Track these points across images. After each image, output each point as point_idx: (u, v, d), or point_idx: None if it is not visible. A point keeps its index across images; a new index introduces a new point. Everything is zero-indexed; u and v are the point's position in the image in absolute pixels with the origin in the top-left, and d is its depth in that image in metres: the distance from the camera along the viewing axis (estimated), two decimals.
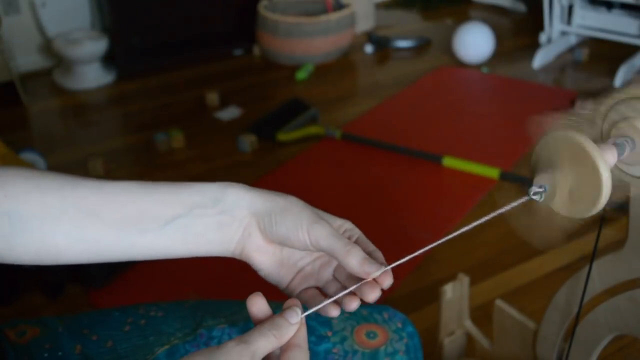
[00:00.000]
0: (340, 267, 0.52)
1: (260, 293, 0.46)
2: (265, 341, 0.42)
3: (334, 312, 0.49)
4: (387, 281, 0.48)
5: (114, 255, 0.50)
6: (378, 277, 0.48)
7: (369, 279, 0.47)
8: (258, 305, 0.46)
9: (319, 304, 0.49)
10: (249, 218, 0.51)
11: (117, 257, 0.51)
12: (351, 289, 0.48)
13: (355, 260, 0.47)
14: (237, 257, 0.52)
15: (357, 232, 0.52)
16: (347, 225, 0.52)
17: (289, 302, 0.46)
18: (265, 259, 0.52)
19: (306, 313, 0.46)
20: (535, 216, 0.53)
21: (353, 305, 0.49)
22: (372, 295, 0.48)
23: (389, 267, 0.48)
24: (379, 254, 0.50)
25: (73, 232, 0.48)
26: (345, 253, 0.47)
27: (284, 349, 0.44)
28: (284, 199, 0.51)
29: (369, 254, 0.49)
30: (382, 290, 0.48)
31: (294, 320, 0.44)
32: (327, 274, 0.53)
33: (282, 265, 0.53)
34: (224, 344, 0.41)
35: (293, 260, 0.53)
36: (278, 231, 0.50)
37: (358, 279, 0.49)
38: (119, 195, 0.49)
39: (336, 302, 0.50)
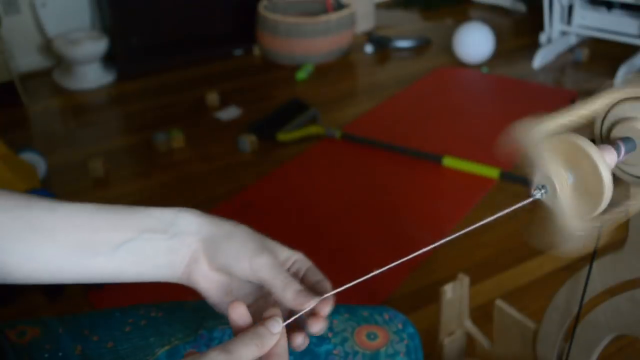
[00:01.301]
0: None
1: (240, 301, 0.46)
2: (247, 350, 0.42)
3: (299, 340, 0.49)
4: (325, 309, 0.48)
5: (66, 277, 0.51)
6: (318, 306, 0.48)
7: (303, 311, 0.47)
8: (239, 311, 0.46)
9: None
10: (197, 243, 0.51)
11: (69, 278, 0.51)
12: (292, 319, 0.48)
13: (290, 293, 0.47)
14: (184, 283, 0.52)
15: (306, 264, 0.52)
16: (296, 256, 0.52)
17: (270, 311, 0.46)
18: (210, 286, 0.52)
19: (287, 322, 0.46)
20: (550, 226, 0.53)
21: (298, 340, 0.49)
22: (316, 328, 0.48)
23: (324, 297, 0.48)
24: (326, 284, 0.50)
25: (25, 252, 0.48)
26: (282, 286, 0.47)
27: (265, 358, 0.44)
28: (232, 226, 0.51)
29: (314, 285, 0.49)
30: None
31: (276, 330, 0.44)
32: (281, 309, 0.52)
33: (230, 294, 0.52)
34: (206, 353, 0.41)
35: (243, 292, 0.53)
36: (221, 258, 0.50)
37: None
38: (73, 218, 0.50)
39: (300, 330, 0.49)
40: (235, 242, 0.50)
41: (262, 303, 0.53)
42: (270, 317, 0.45)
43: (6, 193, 0.50)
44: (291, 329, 0.49)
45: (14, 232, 0.48)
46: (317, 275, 0.51)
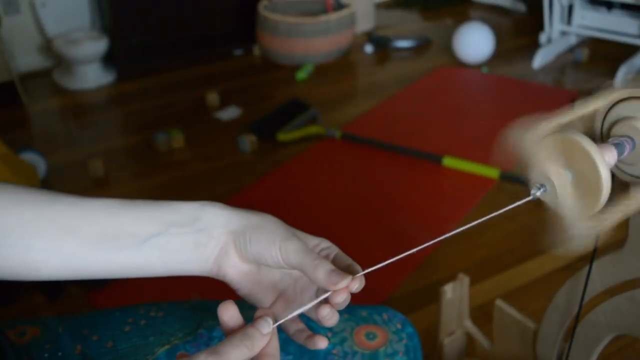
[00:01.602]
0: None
1: (231, 300, 0.46)
2: (237, 352, 0.42)
3: (322, 344, 0.49)
4: (357, 285, 0.48)
5: (91, 272, 0.50)
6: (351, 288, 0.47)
7: (336, 289, 0.47)
8: (229, 312, 0.45)
9: (306, 339, 0.49)
10: (226, 236, 0.51)
11: (94, 273, 0.51)
12: (321, 297, 0.48)
13: (322, 272, 0.47)
14: (214, 276, 0.52)
15: (334, 250, 0.52)
16: (323, 243, 0.52)
17: (260, 311, 0.46)
18: (241, 277, 0.52)
19: (278, 323, 0.46)
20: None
21: (321, 344, 0.49)
22: (339, 298, 0.47)
23: (357, 275, 0.48)
24: (357, 267, 0.50)
25: (50, 247, 0.48)
26: (313, 267, 0.47)
27: (256, 358, 0.44)
28: (260, 217, 0.51)
29: (346, 268, 0.49)
30: (352, 293, 0.48)
31: (266, 331, 0.44)
32: (309, 295, 0.52)
33: (260, 284, 0.53)
34: (195, 355, 0.41)
35: (271, 280, 0.53)
36: (252, 248, 0.50)
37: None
38: (97, 212, 0.50)
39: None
40: (264, 232, 0.50)
41: (291, 290, 0.53)
42: (260, 317, 0.45)
43: (29, 189, 0.50)
44: (317, 306, 0.49)
45: (38, 228, 0.48)
46: (346, 260, 0.51)
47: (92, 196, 0.51)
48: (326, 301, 0.48)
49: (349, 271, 0.49)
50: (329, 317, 0.48)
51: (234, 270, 0.52)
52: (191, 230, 0.50)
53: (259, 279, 0.53)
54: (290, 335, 0.51)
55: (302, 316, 0.50)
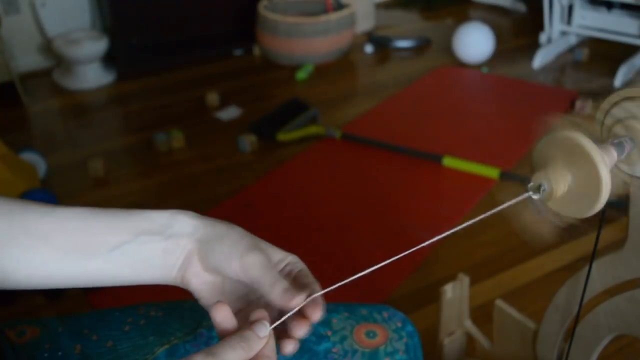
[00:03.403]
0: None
1: (224, 302, 0.46)
2: (234, 354, 0.42)
3: (289, 348, 0.48)
4: (316, 314, 0.47)
5: (62, 281, 0.50)
6: (307, 309, 0.47)
7: (293, 309, 0.46)
8: (222, 313, 0.45)
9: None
10: (191, 245, 0.51)
11: (65, 282, 0.51)
12: (279, 322, 0.47)
13: (276, 291, 0.46)
14: (178, 284, 0.52)
15: (299, 266, 0.51)
16: (290, 258, 0.52)
17: (256, 314, 0.46)
18: (203, 287, 0.52)
19: (274, 325, 0.46)
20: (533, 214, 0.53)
21: (289, 348, 0.48)
22: (300, 332, 0.47)
23: (308, 297, 0.47)
24: (316, 287, 0.49)
25: (20, 256, 0.48)
26: (270, 284, 0.47)
27: (254, 359, 0.44)
28: (226, 227, 0.51)
29: (304, 286, 0.49)
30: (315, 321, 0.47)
31: (263, 334, 0.44)
32: (273, 313, 0.51)
33: (222, 295, 0.52)
34: (190, 357, 0.41)
35: (236, 293, 0.53)
36: (213, 258, 0.50)
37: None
38: (69, 221, 0.50)
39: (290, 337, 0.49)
40: (227, 242, 0.49)
41: (254, 306, 0.52)
42: (257, 320, 0.45)
43: (1, 199, 0.50)
44: (281, 335, 0.48)
45: (9, 237, 0.48)
46: (308, 278, 0.50)
47: (64, 205, 0.51)
48: (288, 335, 0.48)
49: (307, 290, 0.48)
50: (292, 352, 0.48)
51: (197, 279, 0.51)
52: (161, 239, 0.50)
53: (222, 291, 0.52)
54: None
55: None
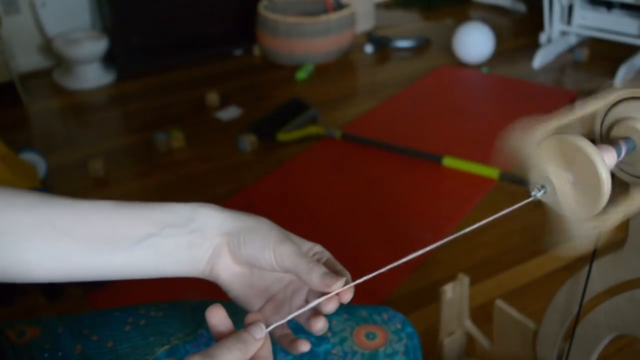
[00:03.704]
0: (312, 292, 0.52)
1: (220, 304, 0.46)
2: (230, 355, 0.42)
3: (305, 347, 0.49)
4: (347, 296, 0.48)
5: (85, 274, 0.51)
6: (339, 292, 0.48)
7: (331, 293, 0.47)
8: (218, 316, 0.46)
9: (289, 343, 0.49)
10: (219, 238, 0.51)
11: (89, 275, 0.51)
12: (313, 303, 0.48)
13: (316, 275, 0.47)
14: (206, 277, 0.52)
15: (326, 255, 0.52)
16: (316, 248, 0.53)
17: (251, 317, 0.46)
18: (233, 279, 0.52)
19: (270, 328, 0.46)
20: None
21: (319, 324, 0.49)
22: (329, 306, 0.48)
23: (352, 284, 0.48)
24: (346, 274, 0.50)
25: (45, 249, 0.48)
26: (307, 270, 0.47)
27: None
28: (254, 220, 0.51)
29: (336, 273, 0.49)
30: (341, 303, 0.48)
31: (259, 336, 0.45)
32: (299, 300, 0.52)
33: (252, 287, 0.53)
34: (188, 358, 0.41)
35: (264, 284, 0.53)
36: (246, 251, 0.50)
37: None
38: (92, 214, 0.50)
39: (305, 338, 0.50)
40: (258, 234, 0.50)
41: (282, 295, 0.53)
42: (252, 322, 0.45)
43: (25, 192, 0.50)
44: (311, 314, 0.49)
45: (33, 230, 0.48)
46: (337, 266, 0.51)
47: (87, 198, 0.51)
48: (317, 312, 0.48)
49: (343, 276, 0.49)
50: (322, 329, 0.49)
51: (227, 272, 0.52)
52: (185, 232, 0.50)
53: (250, 282, 0.53)
54: (276, 339, 0.51)
55: (291, 323, 0.50)
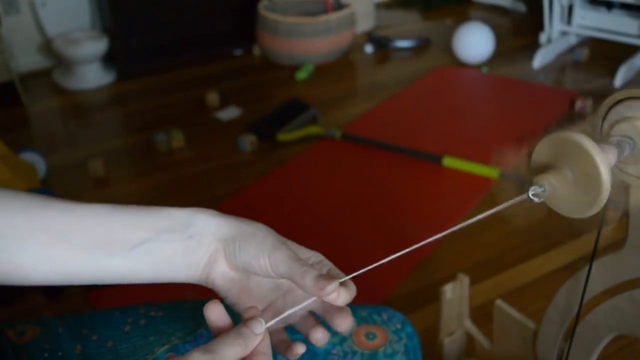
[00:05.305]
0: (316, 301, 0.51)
1: (218, 300, 0.46)
2: (232, 350, 0.42)
3: (301, 349, 0.49)
4: (343, 298, 0.47)
5: (81, 278, 0.51)
6: (338, 297, 0.47)
7: (325, 296, 0.46)
8: (216, 312, 0.45)
9: (286, 348, 0.49)
10: (216, 244, 0.51)
11: (85, 279, 0.51)
12: (304, 305, 0.48)
13: (309, 278, 0.46)
14: (202, 283, 0.52)
15: (327, 264, 0.52)
16: (316, 257, 0.52)
17: (249, 312, 0.46)
18: (230, 285, 0.52)
19: (270, 323, 0.46)
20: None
21: (319, 334, 0.49)
22: (344, 325, 0.48)
23: (344, 278, 0.48)
24: (349, 282, 0.49)
25: (41, 253, 0.48)
26: (301, 274, 0.47)
27: (249, 356, 0.44)
28: (251, 226, 0.51)
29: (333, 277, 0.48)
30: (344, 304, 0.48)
31: (259, 331, 0.44)
32: (300, 310, 0.52)
33: (249, 294, 0.52)
34: (188, 354, 0.41)
35: (262, 291, 0.53)
36: (241, 257, 0.50)
37: (331, 312, 0.49)
38: (88, 218, 0.49)
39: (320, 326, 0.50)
40: (254, 240, 0.50)
41: (280, 302, 0.53)
42: (252, 317, 0.45)
43: (21, 195, 0.49)
44: (311, 325, 0.49)
45: (29, 233, 0.48)
46: (339, 275, 0.50)
47: (84, 201, 0.51)
48: (319, 323, 0.48)
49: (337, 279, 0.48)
50: (322, 339, 0.49)
51: (223, 278, 0.51)
52: (182, 237, 0.50)
53: (248, 288, 0.52)
54: (273, 345, 0.50)
55: (290, 331, 0.50)
